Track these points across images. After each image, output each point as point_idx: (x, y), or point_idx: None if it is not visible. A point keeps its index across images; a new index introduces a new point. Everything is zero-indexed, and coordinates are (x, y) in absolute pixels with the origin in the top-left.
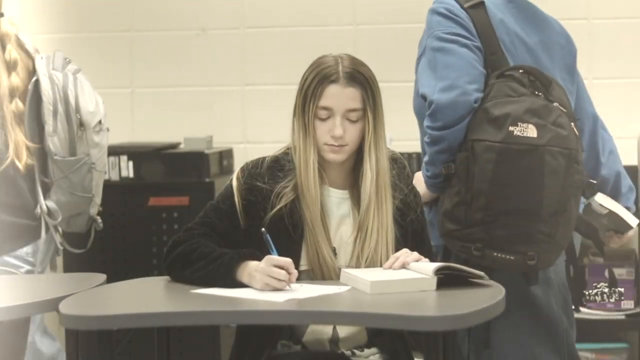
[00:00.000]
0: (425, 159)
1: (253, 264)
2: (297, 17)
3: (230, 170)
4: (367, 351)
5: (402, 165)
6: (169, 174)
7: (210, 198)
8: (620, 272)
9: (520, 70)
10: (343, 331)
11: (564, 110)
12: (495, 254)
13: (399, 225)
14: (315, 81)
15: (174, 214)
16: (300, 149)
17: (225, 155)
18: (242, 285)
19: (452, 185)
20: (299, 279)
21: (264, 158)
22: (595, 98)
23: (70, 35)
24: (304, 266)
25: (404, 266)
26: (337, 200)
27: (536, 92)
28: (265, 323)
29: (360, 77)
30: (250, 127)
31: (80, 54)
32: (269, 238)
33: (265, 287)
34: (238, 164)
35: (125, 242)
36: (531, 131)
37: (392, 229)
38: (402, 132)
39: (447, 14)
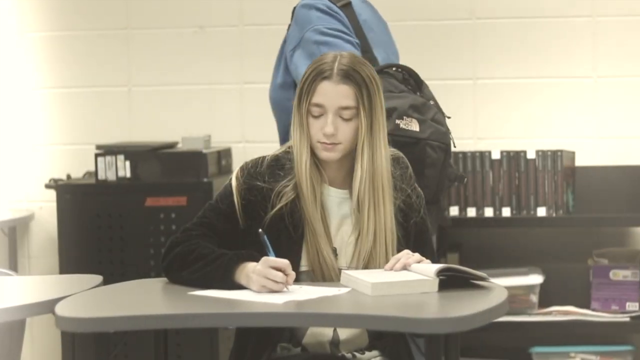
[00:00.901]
0: None
1: (251, 265)
2: None
3: (228, 170)
4: (368, 354)
5: (404, 165)
6: (167, 173)
7: (208, 198)
8: (625, 274)
9: (394, 69)
10: (344, 333)
11: (439, 108)
12: None
13: (401, 226)
14: (310, 78)
15: (171, 214)
16: (296, 147)
17: (224, 155)
18: (240, 287)
19: None
20: (299, 280)
21: (264, 157)
22: (600, 97)
23: (66, 33)
24: (304, 267)
25: (405, 267)
26: (338, 200)
27: (412, 90)
28: (264, 325)
29: (356, 76)
30: (249, 126)
31: (76, 52)
32: (266, 239)
33: (262, 289)
34: (237, 164)
35: (122, 243)
36: (414, 125)
37: (393, 230)
38: None
39: (328, 10)
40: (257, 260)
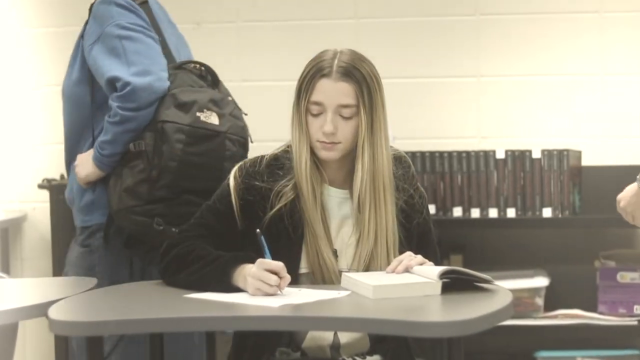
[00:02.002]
0: (106, 138)
1: (249, 267)
2: (296, 10)
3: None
4: (369, 358)
5: (406, 165)
6: None
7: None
8: (633, 276)
9: (192, 65)
10: (344, 337)
11: (236, 104)
12: (174, 229)
13: (403, 227)
14: (309, 75)
15: None
16: (296, 146)
17: None
18: (237, 289)
19: (134, 163)
20: (298, 283)
21: (262, 156)
22: (608, 95)
23: (61, 29)
24: (304, 269)
25: (407, 270)
26: (339, 200)
27: (210, 86)
28: (260, 329)
29: (356, 73)
30: (248, 125)
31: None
32: (264, 240)
33: (257, 292)
34: None
35: None
36: (214, 118)
37: (394, 231)
38: (404, 131)
39: (128, 6)
40: (254, 261)
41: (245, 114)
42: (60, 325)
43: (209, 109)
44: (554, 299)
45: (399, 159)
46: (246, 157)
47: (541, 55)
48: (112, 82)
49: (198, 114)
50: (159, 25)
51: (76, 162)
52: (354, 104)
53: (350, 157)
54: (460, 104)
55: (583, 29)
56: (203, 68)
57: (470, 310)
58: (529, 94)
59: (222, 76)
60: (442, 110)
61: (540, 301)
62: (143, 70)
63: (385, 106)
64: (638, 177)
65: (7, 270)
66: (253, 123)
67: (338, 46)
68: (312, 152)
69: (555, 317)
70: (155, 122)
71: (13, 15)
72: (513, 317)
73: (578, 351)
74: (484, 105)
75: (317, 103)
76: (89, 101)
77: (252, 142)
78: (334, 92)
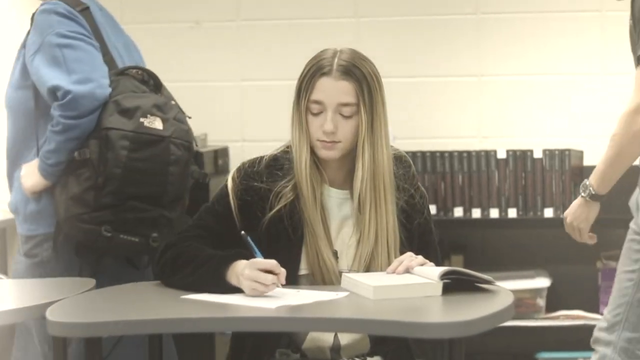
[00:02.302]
0: (50, 147)
1: (241, 265)
2: (296, 8)
3: (226, 170)
4: (369, 359)
5: (407, 164)
6: None
7: (204, 199)
8: None
9: (134, 70)
10: (345, 339)
11: (180, 108)
12: (121, 235)
13: (404, 228)
14: (309, 74)
15: None
16: (296, 145)
17: (221, 154)
18: (233, 288)
19: (80, 171)
20: (298, 284)
21: (262, 157)
22: (609, 94)
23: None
24: (303, 270)
25: (408, 270)
26: (339, 200)
27: (153, 91)
28: (258, 330)
29: (356, 72)
30: (247, 125)
31: None
32: (250, 240)
33: (253, 292)
34: (234, 163)
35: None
36: (158, 123)
37: (395, 231)
38: (405, 130)
39: (68, 14)
40: (246, 258)
41: (189, 117)
42: (58, 326)
43: (152, 114)
44: (555, 300)
45: (399, 159)
46: (191, 160)
47: (542, 55)
48: (53, 91)
49: (141, 119)
50: (101, 32)
51: (22, 172)
52: (354, 102)
53: (350, 157)
54: (461, 104)
55: (584, 28)
56: (145, 73)
57: (471, 311)
58: (530, 94)
59: (221, 76)
60: (443, 110)
61: (541, 302)
62: (84, 78)
63: (386, 105)
64: (581, 189)
65: (4, 271)
66: (253, 123)
67: (338, 45)
68: (312, 152)
69: (557, 318)
70: (99, 129)
71: (13, 15)
72: (514, 318)
73: (579, 352)
74: (485, 104)
75: (317, 102)
76: (32, 110)
77: (197, 146)
78: (334, 90)
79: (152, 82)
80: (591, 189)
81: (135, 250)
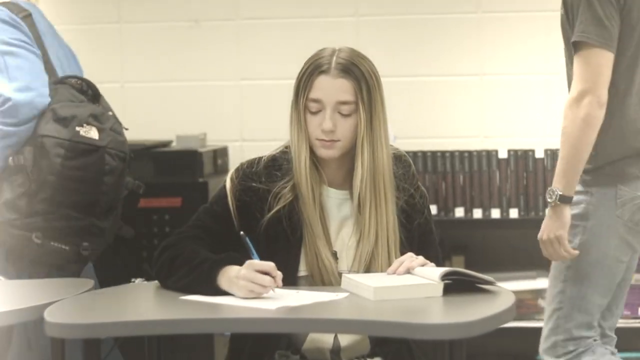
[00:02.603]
0: None
1: (233, 269)
2: (296, 7)
3: (225, 170)
4: None
5: (407, 164)
6: (160, 173)
7: (203, 199)
8: (637, 278)
9: (73, 80)
10: (345, 340)
11: (116, 119)
12: (52, 243)
13: (404, 228)
14: (307, 72)
15: (165, 216)
16: (295, 145)
17: (220, 154)
18: (222, 292)
19: (14, 177)
20: (297, 285)
21: (260, 157)
22: None
23: (56, 27)
24: (302, 271)
25: (408, 271)
26: (338, 201)
27: (90, 100)
28: (258, 331)
29: (355, 70)
30: (247, 124)
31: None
32: (249, 241)
33: (249, 294)
34: (233, 163)
35: (113, 246)
36: (94, 133)
37: (395, 231)
38: (406, 130)
39: (10, 21)
40: (238, 263)
41: (126, 129)
42: (56, 327)
43: (89, 124)
44: None
45: (399, 158)
46: (126, 171)
47: (544, 54)
48: None
49: (77, 128)
50: (42, 39)
51: None
52: (353, 100)
53: (349, 157)
54: (463, 103)
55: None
56: (84, 83)
57: (472, 312)
58: (532, 93)
59: (220, 75)
60: (444, 109)
61: (543, 303)
62: (25, 87)
63: (385, 104)
64: (548, 197)
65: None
66: (252, 122)
67: (338, 44)
68: (312, 152)
69: None
70: (35, 136)
71: None
72: (515, 319)
73: None
74: (486, 104)
75: (315, 100)
76: None
77: (131, 157)
78: (332, 88)
79: (90, 92)
80: (558, 192)
81: (65, 259)
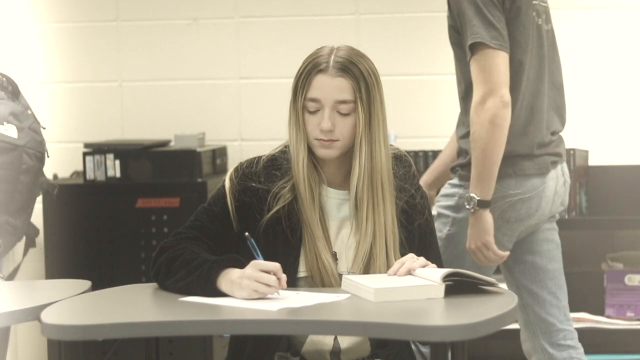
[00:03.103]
0: None
1: (236, 272)
2: (296, 5)
3: (223, 170)
4: None
5: (407, 164)
6: (159, 173)
7: (202, 199)
8: None
9: None
10: (345, 342)
11: (35, 118)
12: None
13: (405, 229)
14: (306, 71)
15: (163, 216)
16: (293, 145)
17: (219, 154)
18: (222, 294)
19: None
20: (297, 287)
21: (259, 157)
22: (614, 93)
23: (53, 26)
24: (302, 273)
25: (409, 272)
26: (338, 201)
27: (10, 98)
28: (258, 333)
29: (353, 68)
30: (246, 124)
31: (63, 46)
32: (254, 242)
33: (254, 294)
34: (232, 163)
35: (111, 247)
36: (13, 131)
37: (394, 232)
38: (406, 130)
39: None
40: (239, 265)
41: (44, 128)
42: (53, 329)
43: (9, 122)
44: None
45: (399, 158)
46: (42, 171)
47: None
48: None
49: None
50: None
51: None
52: (352, 99)
53: (348, 157)
54: None
55: (588, 25)
56: (4, 79)
57: (474, 313)
58: None
59: (219, 74)
60: (445, 109)
61: None
62: None
63: (384, 103)
64: (466, 204)
65: None
66: (251, 122)
67: (338, 43)
68: (310, 152)
69: None
70: None
71: (20, 10)
72: (518, 321)
73: (585, 356)
74: None
75: (314, 99)
76: None
77: (48, 157)
78: (330, 87)
79: (10, 89)
80: (475, 198)
81: None
